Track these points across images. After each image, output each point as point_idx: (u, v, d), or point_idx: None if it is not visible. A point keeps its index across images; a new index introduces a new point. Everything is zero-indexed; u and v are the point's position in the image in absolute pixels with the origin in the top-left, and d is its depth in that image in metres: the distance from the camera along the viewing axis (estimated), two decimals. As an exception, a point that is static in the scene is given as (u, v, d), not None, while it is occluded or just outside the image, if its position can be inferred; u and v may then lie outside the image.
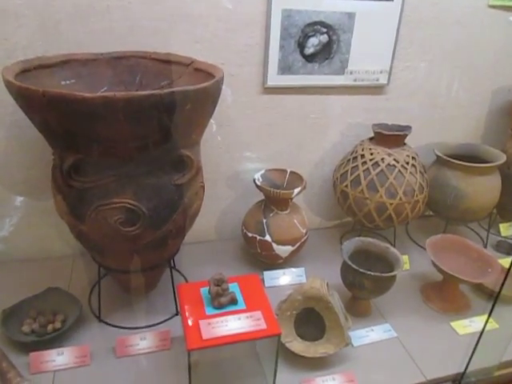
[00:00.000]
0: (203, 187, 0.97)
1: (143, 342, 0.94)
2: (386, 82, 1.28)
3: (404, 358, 0.97)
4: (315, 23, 1.13)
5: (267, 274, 1.18)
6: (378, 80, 1.27)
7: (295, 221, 1.16)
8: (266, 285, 1.15)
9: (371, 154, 1.19)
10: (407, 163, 1.18)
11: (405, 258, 1.22)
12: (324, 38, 1.16)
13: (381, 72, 1.26)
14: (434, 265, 1.08)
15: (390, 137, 1.19)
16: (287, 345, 0.92)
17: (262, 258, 1.20)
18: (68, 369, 0.89)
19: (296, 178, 1.19)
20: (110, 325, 1.01)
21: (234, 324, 0.78)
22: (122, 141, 0.75)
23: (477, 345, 0.90)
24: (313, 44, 1.15)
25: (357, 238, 1.09)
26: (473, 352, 0.91)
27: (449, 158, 1.27)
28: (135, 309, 1.06)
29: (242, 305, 0.83)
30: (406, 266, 1.24)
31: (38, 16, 0.96)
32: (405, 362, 0.96)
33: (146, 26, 1.03)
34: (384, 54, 1.25)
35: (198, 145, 0.92)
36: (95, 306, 1.03)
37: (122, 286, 1.07)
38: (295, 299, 0.93)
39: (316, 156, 1.36)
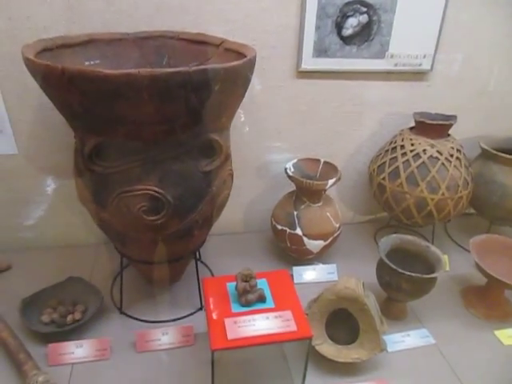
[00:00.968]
0: (232, 175, 0.92)
1: (165, 337, 0.90)
2: (429, 67, 1.19)
3: (442, 367, 0.91)
4: (354, 2, 1.06)
5: (296, 269, 1.14)
6: (420, 65, 1.18)
7: (328, 214, 1.10)
8: (295, 281, 1.11)
9: (412, 145, 1.12)
10: (451, 156, 1.11)
11: (444, 258, 1.15)
12: (364, 19, 1.08)
13: (424, 56, 1.17)
14: (478, 267, 1.00)
15: (434, 126, 1.12)
16: (317, 347, 0.87)
17: (292, 253, 1.15)
18: (87, 362, 0.86)
19: (330, 169, 1.14)
20: (131, 317, 0.98)
21: (261, 324, 0.73)
22: (147, 123, 0.70)
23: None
24: (351, 25, 1.08)
25: (394, 235, 1.03)
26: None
27: (496, 152, 1.19)
28: (158, 301, 1.03)
29: (270, 303, 0.78)
30: (446, 268, 1.17)
31: (62, -7, 0.93)
32: (443, 372, 0.90)
33: (174, 4, 0.99)
34: (428, 37, 1.16)
35: (228, 130, 0.86)
36: (117, 298, 1.00)
37: (144, 277, 1.04)
38: (327, 299, 0.87)
39: (351, 146, 1.30)
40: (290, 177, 1.09)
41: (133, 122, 0.70)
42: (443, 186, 1.09)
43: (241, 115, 1.14)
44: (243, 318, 0.74)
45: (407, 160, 1.11)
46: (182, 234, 0.85)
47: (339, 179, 1.09)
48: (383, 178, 1.16)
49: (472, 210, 1.33)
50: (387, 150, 1.18)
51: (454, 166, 1.10)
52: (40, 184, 1.13)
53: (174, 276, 1.04)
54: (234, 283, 0.79)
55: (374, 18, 1.09)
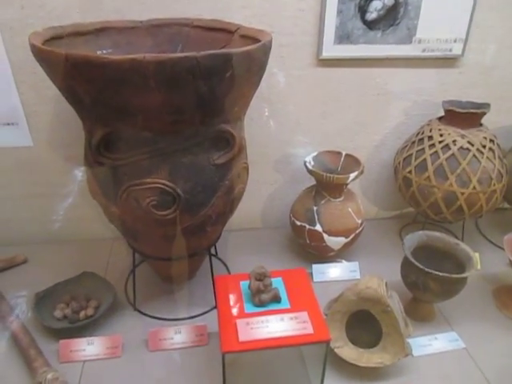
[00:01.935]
0: (247, 169, 0.88)
1: (178, 336, 0.88)
2: (460, 52, 1.12)
3: (473, 373, 0.86)
4: (379, -17, 1.00)
5: (316, 267, 1.09)
6: (451, 50, 1.11)
7: (349, 209, 1.05)
8: (315, 279, 1.07)
9: (441, 136, 1.06)
10: (484, 146, 1.04)
11: (475, 256, 1.09)
12: (389, 1, 1.02)
13: (455, 41, 1.10)
14: (514, 266, 0.93)
15: (465, 115, 1.05)
16: (336, 350, 0.82)
17: (312, 250, 1.11)
18: (98, 359, 0.85)
19: (352, 162, 1.09)
20: (144, 314, 0.96)
21: (275, 326, 0.69)
22: (155, 112, 0.67)
23: None
24: (376, 8, 1.02)
25: (421, 232, 0.97)
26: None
27: (533, 142, 1.11)
28: (172, 299, 1.00)
29: (285, 303, 0.74)
30: (477, 266, 1.10)
31: (74, -20, 0.91)
32: (474, 379, 0.85)
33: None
34: (460, 20, 1.08)
35: (241, 121, 0.82)
36: (131, 294, 0.98)
37: (158, 273, 1.02)
38: (348, 299, 0.82)
39: (375, 138, 1.24)
40: (309, 170, 1.04)
41: (140, 111, 0.66)
42: (474, 180, 1.02)
43: (265, 109, 1.11)
44: (256, 318, 0.71)
45: (435, 152, 1.05)
46: (194, 230, 0.82)
47: (362, 173, 1.03)
48: (409, 172, 1.10)
49: (506, 205, 1.27)
50: (414, 142, 1.12)
51: (487, 158, 1.03)
52: (55, 177, 1.12)
53: (188, 273, 1.02)
54: (248, 282, 0.75)
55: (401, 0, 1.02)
